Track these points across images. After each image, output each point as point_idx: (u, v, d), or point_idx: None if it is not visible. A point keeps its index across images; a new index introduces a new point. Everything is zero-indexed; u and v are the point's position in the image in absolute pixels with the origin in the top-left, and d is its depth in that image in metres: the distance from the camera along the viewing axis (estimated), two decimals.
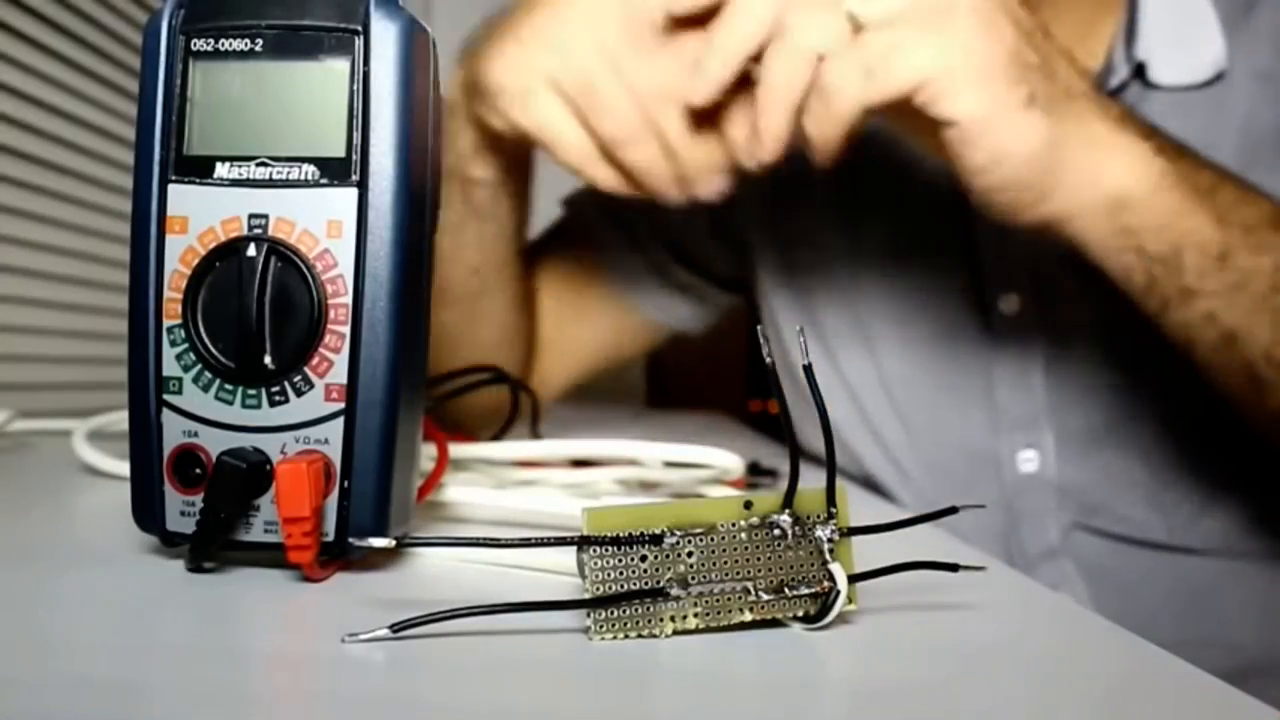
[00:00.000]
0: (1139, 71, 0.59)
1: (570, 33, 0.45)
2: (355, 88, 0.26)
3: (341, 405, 0.26)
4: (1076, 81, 0.43)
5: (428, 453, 0.34)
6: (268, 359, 0.26)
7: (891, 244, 0.65)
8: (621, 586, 0.23)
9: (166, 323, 0.26)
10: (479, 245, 0.59)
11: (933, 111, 0.40)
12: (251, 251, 0.26)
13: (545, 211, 0.75)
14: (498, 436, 0.44)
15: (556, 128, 0.46)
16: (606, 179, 0.47)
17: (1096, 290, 0.58)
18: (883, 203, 0.65)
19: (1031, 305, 0.61)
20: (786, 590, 0.24)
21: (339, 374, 0.26)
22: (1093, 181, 0.42)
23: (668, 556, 0.23)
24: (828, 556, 0.24)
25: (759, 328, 0.25)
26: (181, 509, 0.26)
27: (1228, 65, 0.58)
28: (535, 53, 0.46)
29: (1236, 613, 0.58)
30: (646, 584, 0.23)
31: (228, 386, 0.26)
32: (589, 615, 0.23)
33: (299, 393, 0.26)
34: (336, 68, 0.26)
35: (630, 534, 0.23)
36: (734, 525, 0.24)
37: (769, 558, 0.24)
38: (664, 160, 0.46)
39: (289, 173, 0.26)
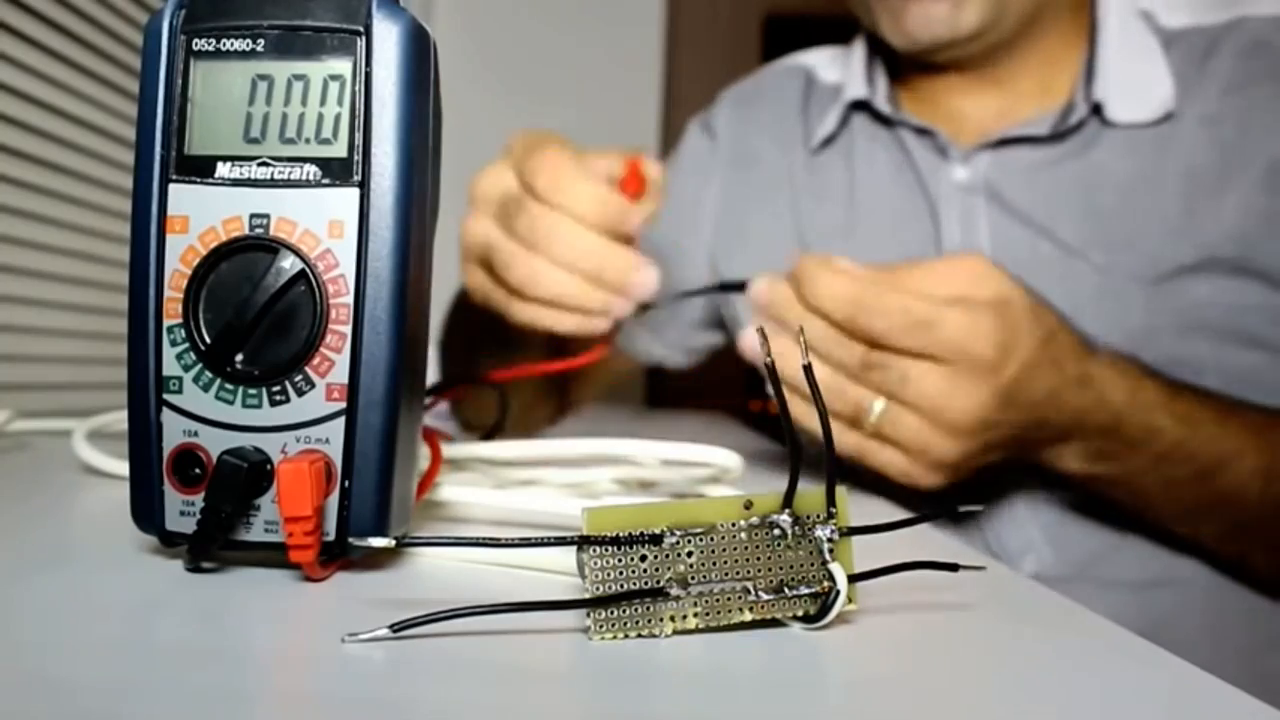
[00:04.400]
0: (1096, 110, 0.64)
1: (480, 207, 0.52)
2: (357, 88, 0.26)
3: (342, 405, 0.26)
4: (1076, 365, 0.49)
5: (421, 453, 0.34)
6: (239, 358, 0.26)
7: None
8: (621, 586, 0.23)
9: (167, 322, 0.26)
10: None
11: (901, 480, 0.48)
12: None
13: None
14: (489, 436, 0.44)
15: (480, 285, 0.54)
16: (524, 315, 0.51)
17: (1054, 296, 0.61)
18: (862, 225, 0.72)
19: None
20: (786, 590, 0.24)
21: (340, 374, 0.26)
22: (1077, 425, 0.50)
23: (667, 556, 0.23)
24: (827, 556, 0.24)
25: (759, 327, 0.25)
26: (181, 509, 0.26)
27: (1176, 107, 0.63)
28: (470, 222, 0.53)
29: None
30: (646, 584, 0.23)
31: (228, 386, 0.26)
32: (589, 615, 0.23)
33: (300, 392, 0.26)
34: (338, 68, 0.26)
35: (630, 534, 0.23)
36: (734, 525, 0.24)
37: (769, 557, 0.24)
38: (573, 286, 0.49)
39: (290, 173, 0.26)
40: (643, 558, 0.23)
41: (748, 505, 0.24)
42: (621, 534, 0.23)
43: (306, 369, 0.26)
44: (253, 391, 0.26)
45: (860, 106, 0.74)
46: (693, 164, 0.83)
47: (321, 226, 0.26)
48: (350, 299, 0.26)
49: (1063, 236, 0.64)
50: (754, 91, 0.83)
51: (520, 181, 0.49)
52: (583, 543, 0.23)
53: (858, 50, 0.76)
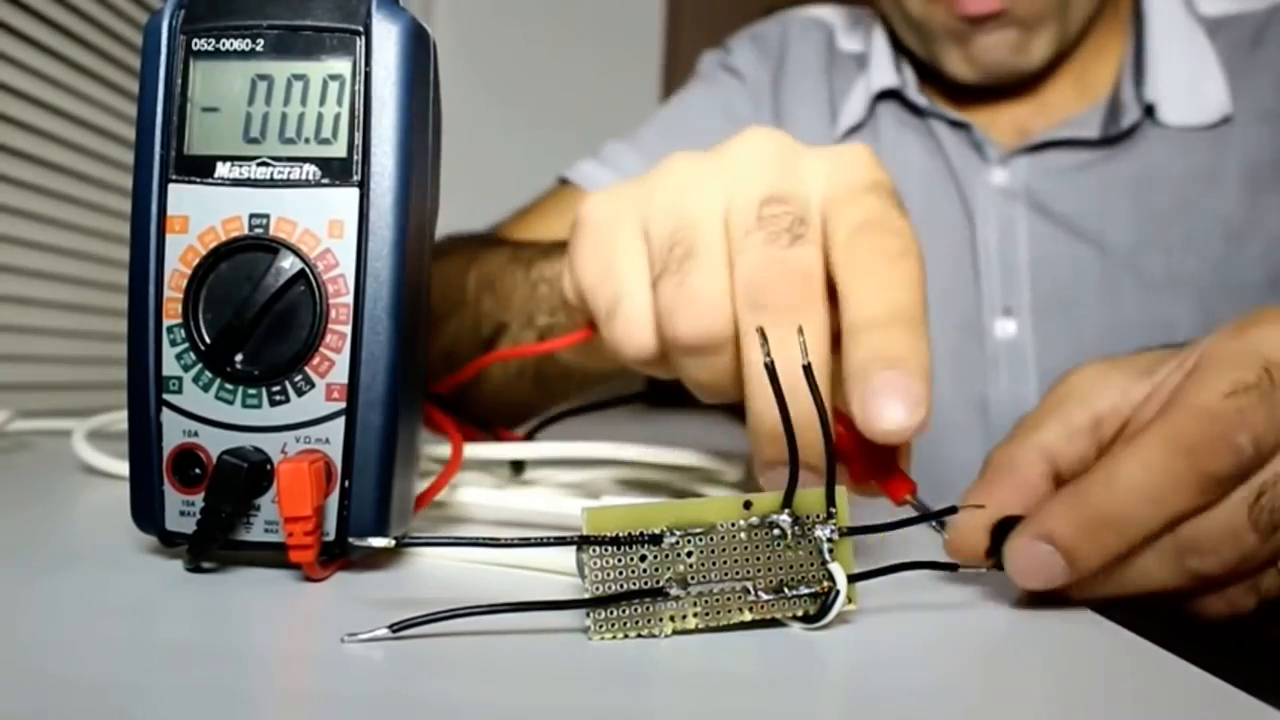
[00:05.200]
0: (1148, 111, 0.62)
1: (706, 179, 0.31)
2: (356, 88, 0.26)
3: (342, 405, 0.26)
4: None
5: (441, 452, 0.34)
6: (239, 358, 0.26)
7: None
8: (621, 586, 0.23)
9: (166, 322, 0.26)
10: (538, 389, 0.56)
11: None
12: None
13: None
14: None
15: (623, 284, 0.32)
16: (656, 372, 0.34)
17: (1095, 314, 0.60)
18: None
19: (1027, 329, 0.63)
20: (786, 590, 0.24)
21: (340, 373, 0.26)
22: None
23: (667, 556, 0.23)
24: (827, 556, 0.24)
25: (759, 328, 0.25)
26: (181, 509, 0.26)
27: (1232, 109, 0.61)
28: (641, 187, 0.32)
29: None
30: (646, 584, 0.23)
31: (228, 386, 0.26)
32: (589, 615, 0.23)
33: (300, 392, 0.26)
34: (337, 68, 0.26)
35: (630, 534, 0.23)
36: (733, 525, 0.24)
37: (769, 557, 0.24)
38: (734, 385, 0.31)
39: (290, 173, 0.26)
40: (642, 558, 0.23)
41: (748, 505, 0.24)
42: (621, 534, 0.23)
43: (306, 369, 0.26)
44: (253, 391, 0.26)
45: (888, 94, 0.71)
46: (721, 101, 0.75)
47: (321, 226, 0.26)
48: (350, 299, 0.26)
49: (1114, 241, 0.62)
50: (778, 39, 0.78)
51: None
52: (583, 543, 0.23)
53: (879, 36, 0.73)
